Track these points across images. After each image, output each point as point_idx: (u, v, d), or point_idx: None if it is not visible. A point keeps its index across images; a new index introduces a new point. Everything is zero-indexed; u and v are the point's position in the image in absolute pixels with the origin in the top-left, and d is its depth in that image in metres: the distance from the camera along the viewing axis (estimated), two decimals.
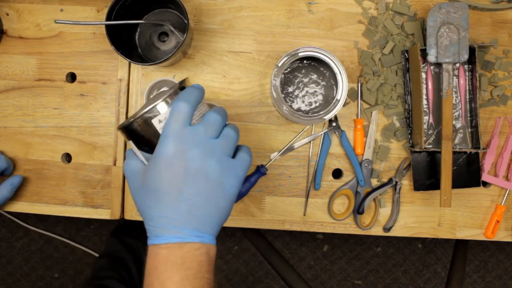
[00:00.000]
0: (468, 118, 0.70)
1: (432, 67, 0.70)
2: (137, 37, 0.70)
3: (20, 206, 0.72)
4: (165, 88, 0.68)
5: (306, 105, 0.69)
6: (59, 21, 0.58)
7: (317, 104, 0.69)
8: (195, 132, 0.43)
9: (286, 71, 0.68)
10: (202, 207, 0.43)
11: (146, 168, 0.44)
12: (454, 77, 0.70)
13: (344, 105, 0.71)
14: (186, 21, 0.62)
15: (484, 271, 1.48)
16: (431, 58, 0.66)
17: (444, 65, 0.66)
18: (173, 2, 0.64)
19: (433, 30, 0.65)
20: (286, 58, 0.62)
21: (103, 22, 0.60)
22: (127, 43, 0.67)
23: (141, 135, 0.45)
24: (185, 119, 0.43)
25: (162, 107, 0.45)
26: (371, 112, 0.71)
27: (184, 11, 0.62)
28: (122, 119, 0.71)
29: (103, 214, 0.72)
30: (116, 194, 0.71)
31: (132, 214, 0.72)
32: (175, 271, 0.41)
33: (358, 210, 0.70)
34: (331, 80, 0.68)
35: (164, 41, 0.70)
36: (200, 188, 0.43)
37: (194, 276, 0.42)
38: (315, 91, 0.69)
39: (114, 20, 0.62)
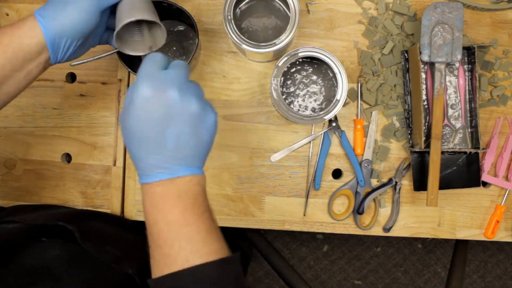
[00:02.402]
0: (468, 118, 0.70)
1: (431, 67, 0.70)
2: None
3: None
4: None
5: (305, 105, 0.69)
6: (74, 64, 0.60)
7: (317, 104, 0.69)
8: (170, 75, 0.45)
9: (286, 71, 0.68)
10: (188, 143, 0.45)
11: (126, 111, 0.45)
12: (452, 77, 0.70)
13: (344, 105, 0.71)
14: (197, 39, 0.64)
15: (484, 271, 1.48)
16: (424, 57, 0.66)
17: (436, 65, 0.66)
18: (180, 14, 0.65)
19: (427, 29, 0.66)
20: (286, 58, 0.62)
21: (113, 52, 0.61)
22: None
23: None
24: (160, 65, 0.46)
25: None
26: (371, 112, 0.71)
27: (196, 28, 0.63)
28: None
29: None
30: (116, 194, 0.71)
31: (132, 215, 0.72)
32: (174, 205, 0.44)
33: (358, 210, 0.70)
34: (331, 80, 0.68)
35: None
36: (184, 126, 0.45)
37: (193, 206, 0.45)
38: (315, 91, 0.69)
39: None
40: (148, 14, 0.55)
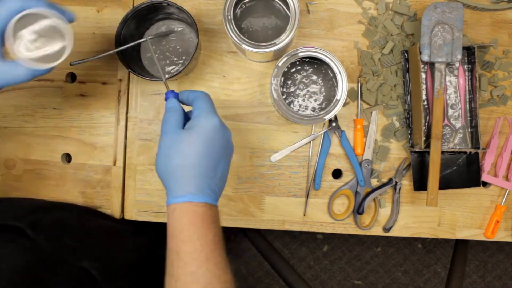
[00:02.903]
0: (468, 118, 0.70)
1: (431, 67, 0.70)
2: (141, 51, 0.71)
3: None
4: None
5: (306, 105, 0.69)
6: (74, 63, 0.61)
7: (317, 104, 0.69)
8: (222, 134, 0.52)
9: (286, 71, 0.68)
10: (225, 177, 0.53)
11: (195, 132, 0.50)
12: (452, 77, 0.70)
13: (344, 105, 0.71)
14: (197, 39, 0.63)
15: (484, 271, 1.48)
16: (424, 57, 0.66)
17: (436, 65, 0.66)
18: (180, 14, 0.65)
19: (427, 29, 0.66)
20: (286, 58, 0.62)
21: (113, 51, 0.61)
22: (132, 55, 0.68)
23: None
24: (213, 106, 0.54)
25: None
26: (371, 112, 0.71)
27: (196, 28, 0.63)
28: (122, 119, 0.71)
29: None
30: (116, 194, 0.71)
31: (131, 214, 0.72)
32: (209, 228, 0.48)
33: (358, 210, 0.70)
34: (331, 80, 0.68)
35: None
36: (228, 161, 0.52)
37: (220, 233, 0.50)
38: (315, 91, 0.69)
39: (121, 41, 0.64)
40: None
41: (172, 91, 0.55)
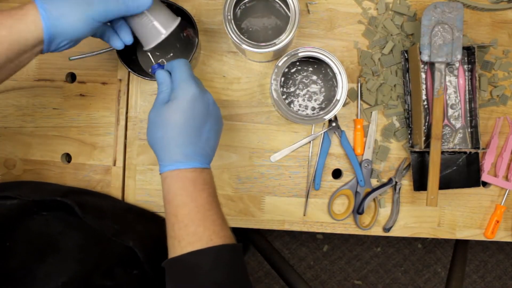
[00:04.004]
0: (468, 118, 0.70)
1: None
2: (137, 48, 0.70)
3: None
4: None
5: (306, 105, 0.69)
6: (73, 58, 0.61)
7: (317, 104, 0.69)
8: (197, 80, 0.55)
9: (285, 71, 0.68)
10: (213, 140, 0.55)
11: (173, 104, 0.52)
12: (452, 77, 0.70)
13: (344, 105, 0.71)
14: (197, 39, 0.64)
15: (484, 271, 1.48)
16: (424, 57, 0.66)
17: (436, 65, 0.66)
18: (180, 14, 0.65)
19: (427, 29, 0.66)
20: (286, 58, 0.62)
21: (111, 48, 0.61)
22: (131, 56, 0.68)
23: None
24: (191, 69, 0.56)
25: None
26: (371, 112, 0.71)
27: (196, 28, 0.63)
28: (122, 119, 0.71)
29: None
30: (116, 194, 0.71)
31: None
32: (202, 190, 0.51)
33: (358, 210, 0.70)
34: (331, 80, 0.68)
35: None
36: (213, 125, 0.54)
37: (214, 194, 0.53)
38: (315, 91, 0.69)
39: None
40: (171, 21, 0.57)
41: (159, 64, 0.57)
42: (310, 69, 0.69)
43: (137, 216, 0.69)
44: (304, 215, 0.71)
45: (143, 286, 0.58)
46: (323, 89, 0.69)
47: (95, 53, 0.62)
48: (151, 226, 0.67)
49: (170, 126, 0.52)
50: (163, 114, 0.52)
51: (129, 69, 0.63)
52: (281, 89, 0.68)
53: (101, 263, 0.56)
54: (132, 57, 0.68)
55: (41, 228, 0.57)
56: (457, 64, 0.69)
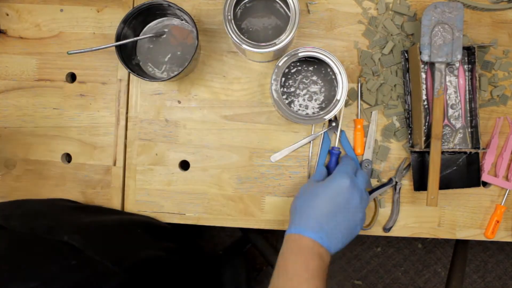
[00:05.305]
0: (468, 118, 0.70)
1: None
2: (137, 48, 0.70)
3: None
4: None
5: (306, 105, 0.69)
6: (72, 52, 0.61)
7: (317, 104, 0.69)
8: (358, 180, 0.62)
9: (286, 71, 0.68)
10: (341, 229, 0.60)
11: (324, 183, 0.61)
12: (452, 77, 0.70)
13: (345, 106, 0.71)
14: (196, 39, 0.64)
15: (484, 271, 1.48)
16: (424, 57, 0.66)
17: (436, 65, 0.66)
18: (180, 14, 0.65)
19: (427, 29, 0.66)
20: (286, 58, 0.62)
21: (111, 45, 0.61)
22: (131, 56, 0.68)
23: None
24: (354, 171, 0.64)
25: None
26: (371, 112, 0.71)
27: (196, 28, 0.63)
28: (122, 119, 0.71)
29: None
30: (116, 194, 0.71)
31: None
32: (315, 259, 0.56)
33: None
34: (331, 80, 0.68)
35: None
36: (347, 217, 0.60)
37: (323, 272, 0.57)
38: (315, 91, 0.69)
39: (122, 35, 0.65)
40: None
41: (334, 147, 0.69)
42: (310, 69, 0.69)
43: (92, 212, 0.68)
44: None
45: (84, 272, 0.55)
46: (323, 89, 0.69)
47: (94, 48, 0.62)
48: (103, 217, 0.66)
49: (311, 200, 0.60)
50: (311, 189, 0.61)
51: (129, 70, 0.63)
52: (281, 89, 0.68)
53: (23, 267, 0.52)
54: (132, 57, 0.68)
55: None
56: (457, 64, 0.69)
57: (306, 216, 0.59)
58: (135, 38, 0.65)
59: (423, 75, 0.69)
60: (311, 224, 0.58)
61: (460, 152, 0.70)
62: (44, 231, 0.57)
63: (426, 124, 0.69)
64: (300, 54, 0.62)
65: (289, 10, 0.62)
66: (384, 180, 0.71)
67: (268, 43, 0.61)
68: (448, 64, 0.69)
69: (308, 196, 0.61)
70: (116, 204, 0.71)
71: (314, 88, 0.69)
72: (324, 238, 0.58)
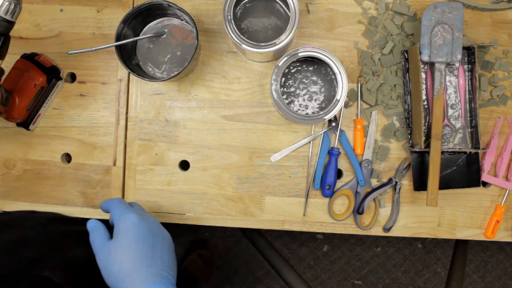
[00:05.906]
0: (468, 118, 0.70)
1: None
2: (137, 48, 0.70)
3: (20, 206, 0.72)
4: None
5: (306, 105, 0.69)
6: (72, 52, 0.61)
7: (317, 104, 0.69)
8: (137, 207, 0.59)
9: (286, 71, 0.68)
10: (167, 260, 0.55)
11: (117, 237, 0.54)
12: (452, 77, 0.70)
13: (345, 107, 0.71)
14: (196, 39, 0.63)
15: (484, 271, 1.48)
16: (424, 57, 0.66)
17: (436, 65, 0.66)
18: (180, 14, 0.65)
19: (427, 29, 0.66)
20: (286, 58, 0.62)
21: (111, 45, 0.61)
22: (131, 57, 0.68)
23: None
24: (127, 204, 0.59)
25: None
26: (371, 112, 0.71)
27: (195, 28, 0.63)
28: (122, 119, 0.71)
29: (102, 214, 0.72)
30: (116, 194, 0.71)
31: None
32: None
33: (358, 210, 0.70)
34: (331, 80, 0.68)
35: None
36: (163, 245, 0.55)
37: None
38: (315, 91, 0.69)
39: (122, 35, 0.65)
40: None
41: (334, 147, 0.67)
42: (310, 69, 0.69)
43: (75, 240, 0.65)
44: (304, 215, 0.71)
45: None
46: (323, 89, 0.69)
47: (94, 48, 0.62)
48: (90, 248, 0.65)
49: (123, 258, 0.52)
50: (111, 250, 0.53)
51: (129, 70, 0.63)
52: (281, 89, 0.68)
53: None
54: (132, 57, 0.68)
55: None
56: (457, 64, 0.69)
57: (134, 274, 0.52)
58: (135, 38, 0.65)
59: (423, 75, 0.69)
60: (144, 276, 0.52)
61: (460, 152, 0.70)
62: (26, 264, 0.56)
63: (426, 124, 0.69)
64: (300, 54, 0.62)
65: (289, 10, 0.62)
66: (384, 180, 0.71)
67: (268, 43, 0.61)
68: (448, 64, 0.69)
69: (117, 256, 0.53)
70: None
71: (314, 88, 0.69)
72: (163, 280, 0.52)
